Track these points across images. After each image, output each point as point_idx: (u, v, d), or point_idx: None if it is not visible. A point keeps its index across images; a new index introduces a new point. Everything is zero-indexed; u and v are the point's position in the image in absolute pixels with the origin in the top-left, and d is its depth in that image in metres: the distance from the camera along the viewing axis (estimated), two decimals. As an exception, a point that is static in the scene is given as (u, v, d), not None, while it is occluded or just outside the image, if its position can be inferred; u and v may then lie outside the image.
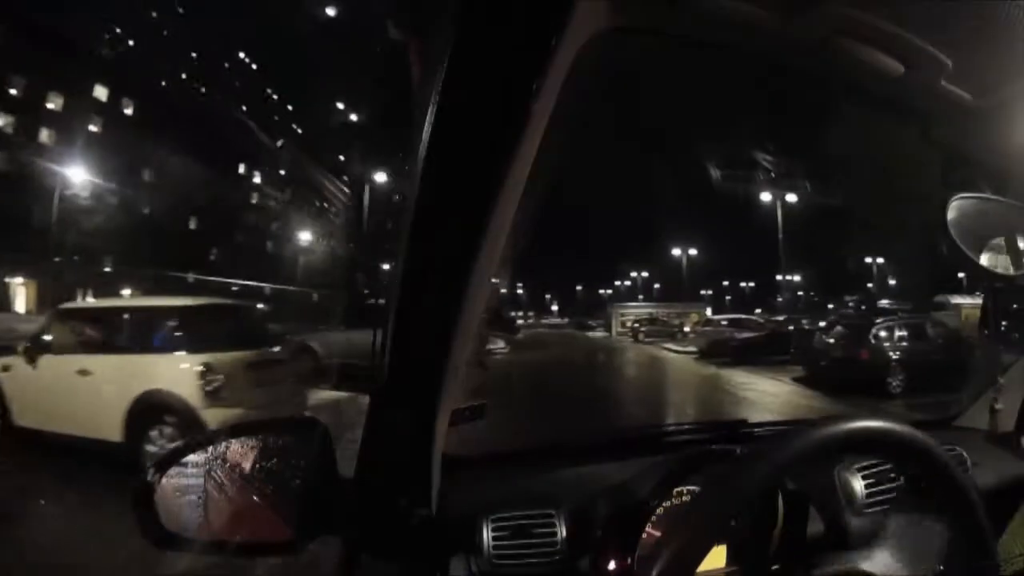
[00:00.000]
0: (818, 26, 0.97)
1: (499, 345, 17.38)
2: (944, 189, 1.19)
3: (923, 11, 0.98)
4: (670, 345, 26.52)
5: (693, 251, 41.77)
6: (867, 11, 0.96)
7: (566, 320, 49.55)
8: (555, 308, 54.68)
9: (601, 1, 0.85)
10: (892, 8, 0.97)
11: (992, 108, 1.16)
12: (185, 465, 1.09)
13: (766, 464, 0.77)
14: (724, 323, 24.15)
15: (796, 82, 1.15)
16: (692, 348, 22.57)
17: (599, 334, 39.18)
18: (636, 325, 33.58)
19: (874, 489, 1.31)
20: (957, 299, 21.19)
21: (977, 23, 1.00)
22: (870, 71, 1.04)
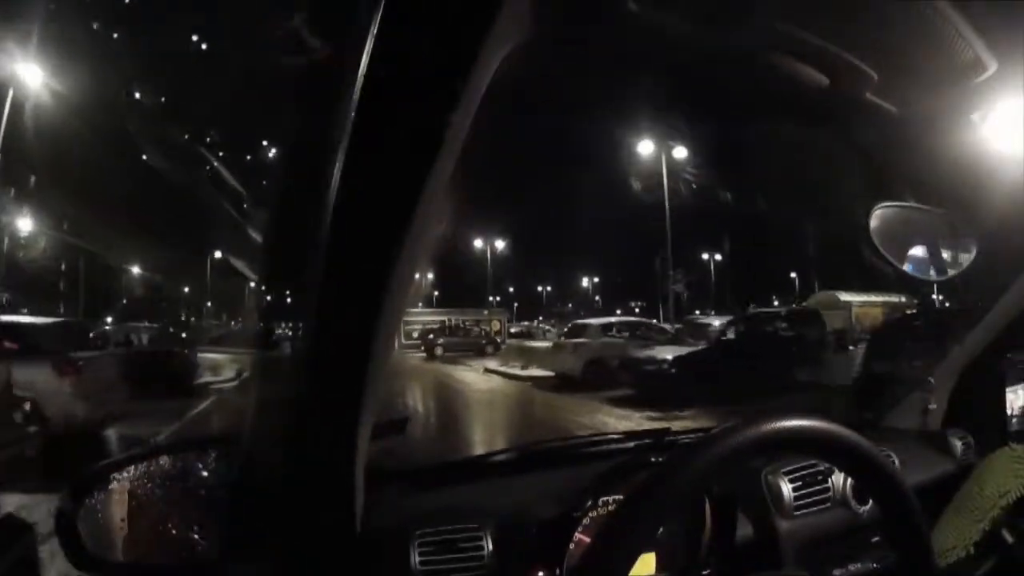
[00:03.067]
0: (743, 40, 0.97)
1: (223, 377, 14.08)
2: (868, 198, 1.22)
3: (850, 26, 0.99)
4: (493, 365, 19.14)
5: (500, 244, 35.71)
6: (795, 26, 0.97)
7: None
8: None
9: (524, 11, 0.83)
10: (819, 23, 0.98)
11: (913, 120, 1.19)
12: (107, 486, 1.07)
13: (687, 471, 0.77)
14: (610, 331, 15.99)
15: (722, 93, 1.15)
16: (541, 371, 15.99)
17: None
18: (430, 337, 25.66)
19: (802, 492, 1.33)
20: (846, 296, 20.49)
21: (902, 38, 1.01)
22: (797, 84, 1.06)
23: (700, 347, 13.72)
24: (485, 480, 1.31)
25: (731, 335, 13.96)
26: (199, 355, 16.26)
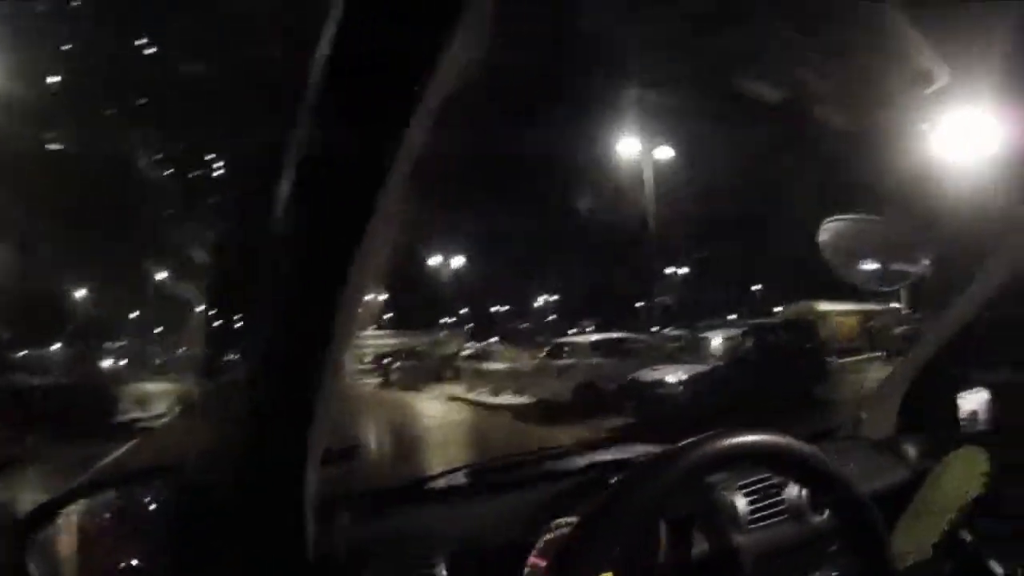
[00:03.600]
0: (697, 54, 0.97)
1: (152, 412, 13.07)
2: (821, 211, 1.23)
3: (805, 44, 1.00)
4: (459, 392, 17.16)
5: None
6: (751, 45, 0.97)
7: None
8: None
9: (484, 20, 0.81)
10: (776, 42, 0.98)
11: (869, 132, 1.20)
12: (55, 521, 1.04)
13: (643, 490, 0.77)
14: (598, 349, 14.08)
15: (673, 108, 1.15)
16: (518, 399, 13.97)
17: None
18: (386, 362, 23.67)
19: (757, 505, 1.34)
20: (825, 306, 18.77)
21: (857, 54, 1.02)
22: (749, 97, 1.06)
23: (713, 365, 11.69)
24: (438, 504, 1.30)
25: (746, 349, 12.26)
26: (134, 385, 15.31)
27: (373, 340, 26.01)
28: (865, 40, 1.00)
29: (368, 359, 24.25)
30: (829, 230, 1.20)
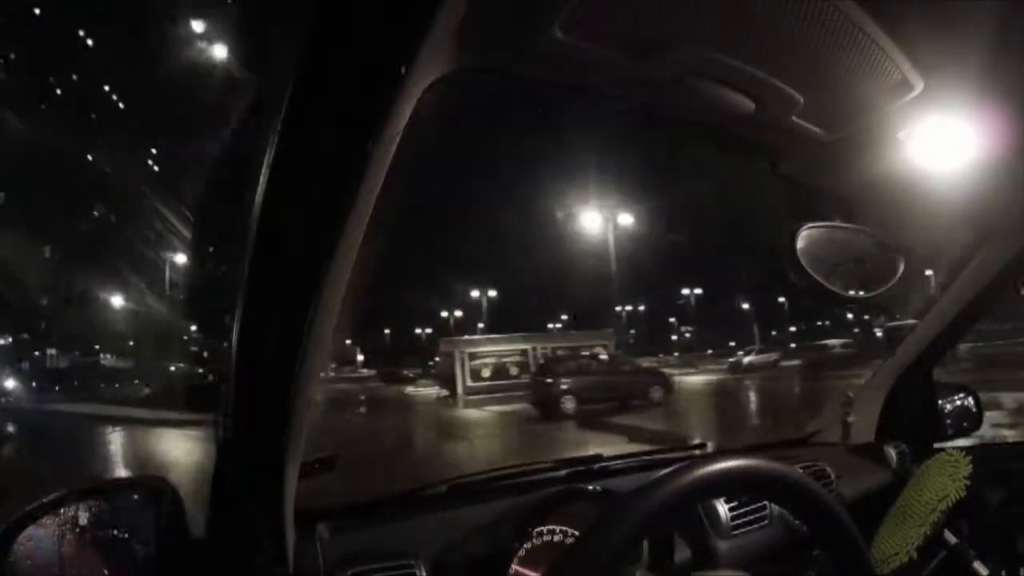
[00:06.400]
0: (668, 66, 0.97)
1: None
2: (794, 220, 1.24)
3: (775, 51, 1.00)
4: None
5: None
6: (719, 52, 0.98)
7: (373, 372, 34.55)
8: (360, 358, 37.50)
9: (448, 41, 0.82)
10: (743, 48, 0.99)
11: (841, 142, 1.21)
12: (35, 530, 1.02)
13: (638, 513, 0.79)
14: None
15: (645, 119, 1.16)
16: None
17: (425, 392, 24.09)
18: (548, 380, 15.59)
19: (739, 512, 1.34)
20: None
21: (828, 61, 1.03)
22: (721, 108, 1.07)
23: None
24: (418, 515, 1.30)
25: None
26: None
27: (494, 345, 22.22)
28: (838, 51, 1.01)
29: (487, 372, 20.81)
30: (805, 237, 1.21)
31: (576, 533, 1.17)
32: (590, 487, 1.29)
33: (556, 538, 1.18)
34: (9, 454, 10.53)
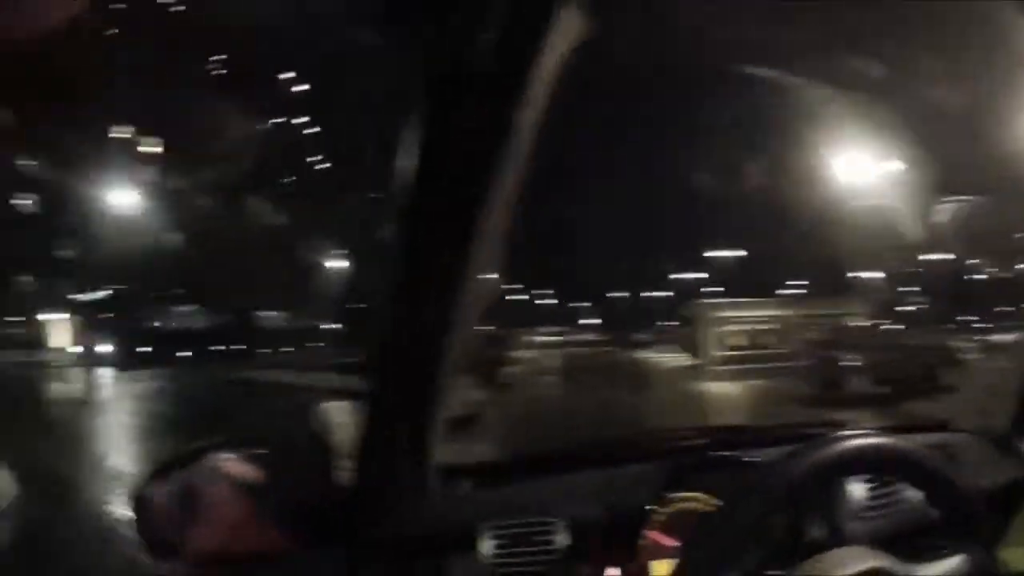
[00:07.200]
0: (799, 35, 0.98)
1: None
2: (933, 194, 1.20)
3: (908, 18, 0.99)
4: None
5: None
6: (852, 19, 0.98)
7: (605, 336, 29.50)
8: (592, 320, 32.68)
9: (586, 6, 0.86)
10: (875, 16, 0.98)
11: (978, 112, 1.17)
12: (179, 476, 1.09)
13: (779, 485, 0.80)
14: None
15: (780, 90, 1.16)
16: None
17: (663, 359, 20.54)
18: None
19: (874, 494, 1.30)
20: None
21: (963, 29, 1.01)
22: (853, 78, 1.06)
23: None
24: (557, 474, 1.32)
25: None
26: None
27: (749, 310, 19.56)
28: (978, 22, 0.99)
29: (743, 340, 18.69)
30: (945, 212, 1.17)
31: (715, 502, 1.16)
32: (732, 456, 1.28)
33: (695, 506, 1.18)
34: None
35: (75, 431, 11.26)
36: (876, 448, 0.89)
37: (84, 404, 15.59)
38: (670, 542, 1.15)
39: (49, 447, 8.75)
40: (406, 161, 0.81)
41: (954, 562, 1.00)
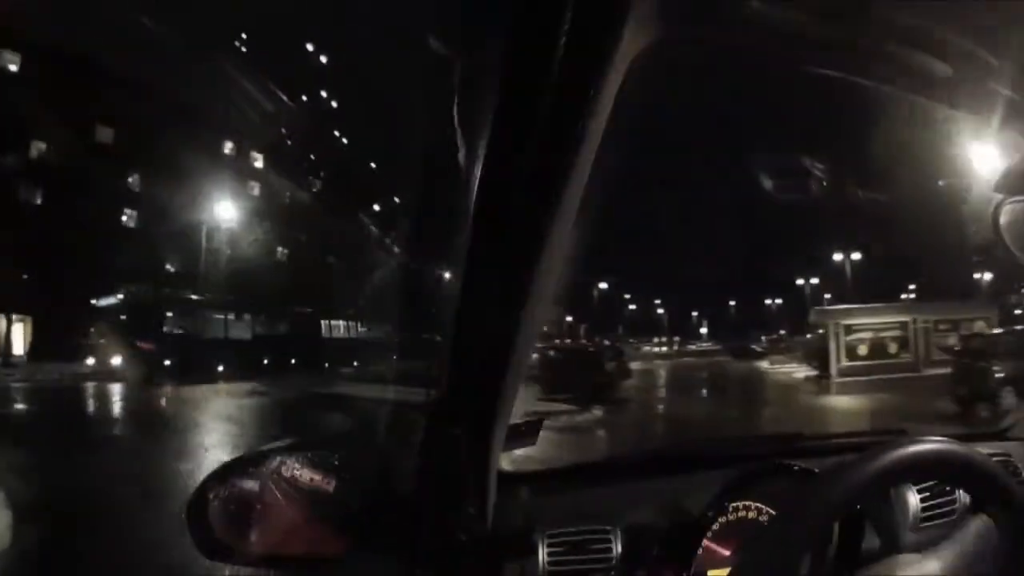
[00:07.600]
0: (867, 33, 0.96)
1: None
2: (993, 193, 1.17)
3: (970, 14, 0.97)
4: None
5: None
6: (914, 16, 0.96)
7: (716, 346, 31.74)
8: (703, 331, 36.35)
9: (650, 14, 0.85)
10: (939, 12, 0.97)
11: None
12: (240, 479, 1.11)
13: (834, 494, 0.79)
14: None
15: (844, 87, 1.14)
16: None
17: (784, 371, 20.61)
18: None
19: (930, 503, 1.28)
20: None
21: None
22: (918, 75, 1.04)
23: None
24: (615, 483, 1.32)
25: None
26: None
27: (874, 316, 17.91)
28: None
29: (862, 349, 17.26)
30: (1008, 211, 1.14)
31: (771, 512, 1.15)
32: (789, 464, 1.27)
33: (751, 515, 1.17)
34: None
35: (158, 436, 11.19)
36: (936, 455, 0.86)
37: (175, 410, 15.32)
38: (725, 551, 1.15)
39: (133, 452, 9.21)
40: (475, 172, 0.82)
41: (1009, 571, 0.98)
